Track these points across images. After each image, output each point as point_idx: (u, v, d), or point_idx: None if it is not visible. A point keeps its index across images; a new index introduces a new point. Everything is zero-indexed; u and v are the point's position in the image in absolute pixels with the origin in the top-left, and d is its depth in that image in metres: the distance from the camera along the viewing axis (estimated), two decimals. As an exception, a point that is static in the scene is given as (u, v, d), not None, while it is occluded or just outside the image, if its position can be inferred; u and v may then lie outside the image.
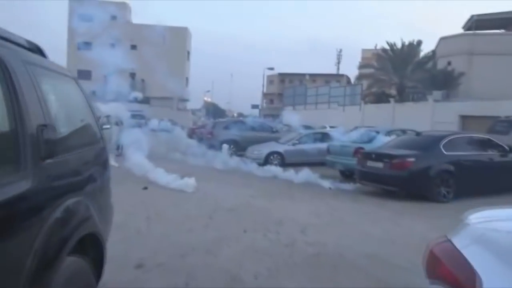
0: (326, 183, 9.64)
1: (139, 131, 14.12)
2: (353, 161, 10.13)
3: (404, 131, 11.38)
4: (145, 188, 8.51)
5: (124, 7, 56.21)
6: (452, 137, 8.73)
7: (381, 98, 35.75)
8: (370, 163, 8.81)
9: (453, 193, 8.16)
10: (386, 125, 25.63)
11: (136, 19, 58.88)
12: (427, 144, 8.67)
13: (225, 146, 15.33)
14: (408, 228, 5.90)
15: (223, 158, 14.59)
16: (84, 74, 51.40)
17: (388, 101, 33.89)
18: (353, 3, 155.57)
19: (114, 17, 53.71)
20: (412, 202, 7.98)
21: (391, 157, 8.38)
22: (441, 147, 8.37)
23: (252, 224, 5.68)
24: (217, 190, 8.65)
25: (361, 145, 10.54)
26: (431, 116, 25.70)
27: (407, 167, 8.08)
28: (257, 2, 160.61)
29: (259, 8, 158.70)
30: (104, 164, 3.07)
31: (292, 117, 18.48)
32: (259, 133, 17.74)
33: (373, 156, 8.80)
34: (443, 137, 8.66)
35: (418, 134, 9.44)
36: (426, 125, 21.90)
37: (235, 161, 13.42)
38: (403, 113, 28.92)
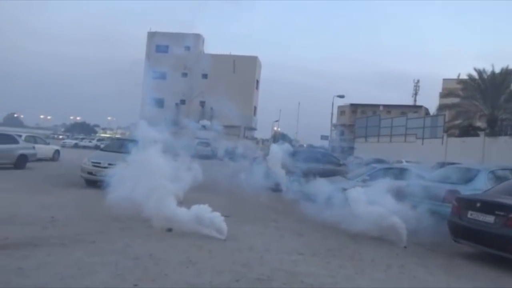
0: (402, 238, 7.10)
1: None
2: (442, 208, 7.55)
3: (515, 171, 8.49)
4: (170, 230, 6.78)
5: (198, 38, 57.96)
6: None
7: (467, 131, 31.70)
8: (472, 215, 6.21)
9: None
10: (476, 161, 21.94)
11: (208, 49, 60.44)
12: None
13: (282, 179, 13.44)
14: None
15: (278, 193, 12.72)
16: (157, 102, 53.46)
17: (477, 135, 29.85)
18: (430, 32, 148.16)
19: (187, 48, 55.68)
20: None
21: (508, 208, 5.74)
22: None
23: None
24: (257, 239, 6.61)
25: (456, 187, 7.91)
26: (534, 154, 21.68)
27: (535, 226, 5.42)
28: (327, 31, 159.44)
29: (329, 37, 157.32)
30: None
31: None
32: (323, 165, 15.56)
33: (478, 205, 6.19)
34: None
35: (545, 176, 6.64)
36: (527, 163, 18.15)
37: (291, 197, 11.41)
38: (496, 148, 24.99)
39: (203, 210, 6.78)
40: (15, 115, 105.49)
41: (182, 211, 6.98)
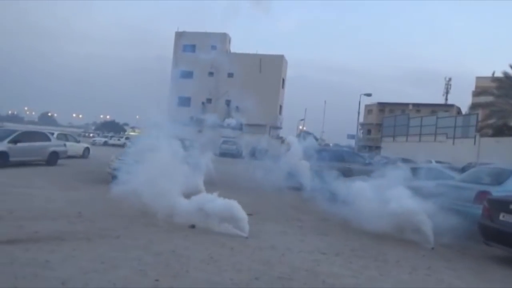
0: (429, 238, 6.88)
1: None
2: (473, 209, 7.26)
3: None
4: (193, 226, 6.82)
5: (224, 37, 58.31)
6: None
7: (502, 130, 30.46)
8: (505, 217, 5.95)
9: None
10: (509, 163, 21.03)
11: (234, 48, 60.69)
12: None
13: (305, 177, 13.30)
14: None
15: (305, 192, 12.57)
16: (184, 101, 54.22)
17: (512, 135, 28.65)
18: (463, 29, 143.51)
19: (214, 47, 56.03)
20: None
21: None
22: None
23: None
24: (279, 238, 6.57)
25: (487, 188, 7.60)
26: None
27: None
28: (354, 29, 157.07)
29: (357, 34, 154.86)
30: None
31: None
32: (349, 164, 15.33)
33: (511, 207, 5.93)
34: None
35: None
36: None
37: (315, 196, 11.26)
38: (533, 149, 23.86)
39: (204, 199, 6.78)
40: (49, 114, 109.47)
41: (184, 202, 6.98)
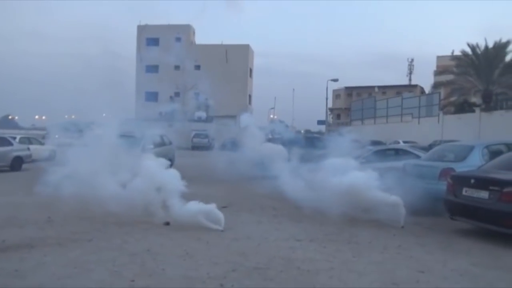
0: (399, 218, 7.11)
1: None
2: (438, 186, 7.56)
3: (510, 146, 8.46)
4: (167, 223, 6.78)
5: (188, 29, 57.41)
6: None
7: (463, 107, 31.70)
8: (467, 192, 6.23)
9: None
10: (473, 137, 21.95)
11: (199, 39, 59.92)
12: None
13: (278, 167, 13.39)
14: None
15: (274, 180, 12.66)
16: (152, 96, 53.12)
17: (472, 111, 29.86)
18: (422, 9, 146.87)
19: (178, 39, 54.99)
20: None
21: (502, 183, 5.76)
22: None
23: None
24: (254, 228, 6.63)
25: (451, 165, 7.91)
26: (529, 127, 21.72)
27: (529, 200, 5.44)
28: (316, 15, 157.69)
29: (319, 21, 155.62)
30: None
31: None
32: (320, 150, 15.53)
33: (472, 181, 6.21)
34: None
35: (538, 149, 6.65)
36: (522, 137, 18.12)
37: (288, 184, 11.35)
38: (492, 123, 24.99)
39: (134, 186, 6.86)
40: (10, 117, 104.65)
41: (118, 192, 7.08)
